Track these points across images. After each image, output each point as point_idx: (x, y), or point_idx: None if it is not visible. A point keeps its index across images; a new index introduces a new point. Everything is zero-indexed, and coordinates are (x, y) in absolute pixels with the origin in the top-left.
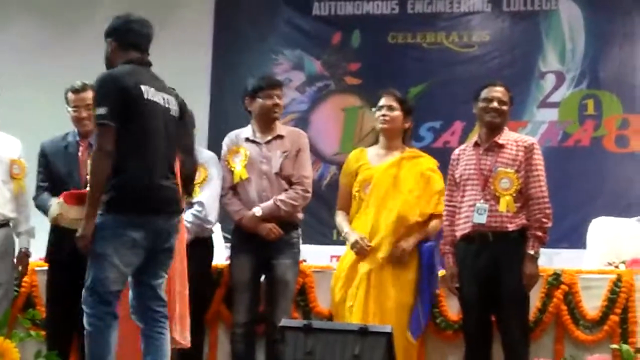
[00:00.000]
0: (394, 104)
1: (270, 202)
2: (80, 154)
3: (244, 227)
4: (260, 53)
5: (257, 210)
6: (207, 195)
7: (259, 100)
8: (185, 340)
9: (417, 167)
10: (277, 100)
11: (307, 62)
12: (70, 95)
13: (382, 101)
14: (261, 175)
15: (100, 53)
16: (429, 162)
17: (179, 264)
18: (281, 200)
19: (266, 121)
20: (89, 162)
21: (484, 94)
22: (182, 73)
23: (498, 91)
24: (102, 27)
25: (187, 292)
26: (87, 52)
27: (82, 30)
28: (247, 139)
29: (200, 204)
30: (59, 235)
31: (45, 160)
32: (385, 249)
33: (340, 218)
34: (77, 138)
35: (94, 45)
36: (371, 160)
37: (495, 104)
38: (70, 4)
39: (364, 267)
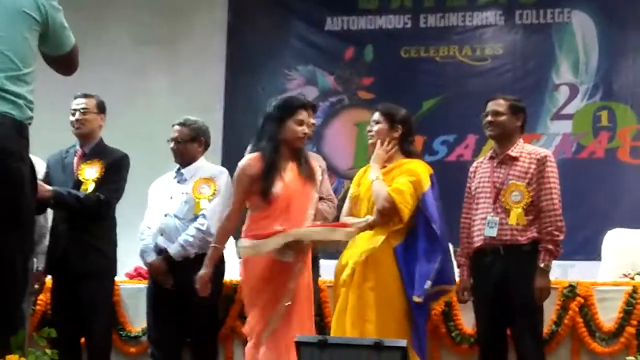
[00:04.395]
0: (378, 118)
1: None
2: (75, 162)
3: None
4: (274, 69)
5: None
6: (211, 209)
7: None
8: None
9: (390, 179)
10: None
11: (320, 77)
12: (73, 102)
13: (373, 116)
14: None
15: (110, 74)
16: (405, 168)
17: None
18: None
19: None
20: (78, 170)
21: (486, 109)
22: (195, 90)
23: (493, 104)
24: (112, 48)
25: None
26: (97, 71)
27: (93, 49)
28: None
29: (204, 216)
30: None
31: (47, 173)
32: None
33: (347, 219)
34: (76, 148)
35: (107, 63)
36: (369, 175)
37: (489, 118)
38: (80, 24)
39: (342, 276)
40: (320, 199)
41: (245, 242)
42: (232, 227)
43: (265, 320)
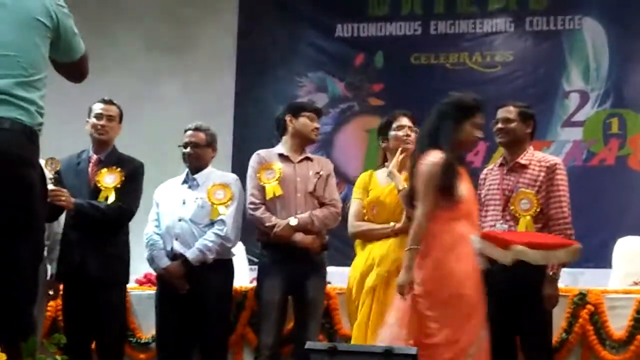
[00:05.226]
0: (412, 126)
1: (305, 215)
2: (90, 169)
3: (277, 236)
4: (284, 75)
5: (292, 220)
6: (229, 215)
7: (303, 120)
8: None
9: None
10: (318, 125)
11: (330, 84)
12: (97, 105)
13: (404, 121)
14: (295, 192)
15: (120, 80)
16: None
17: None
18: (316, 216)
19: (304, 141)
20: (97, 177)
21: (496, 116)
22: (206, 96)
23: (503, 111)
24: (122, 54)
25: None
26: (108, 77)
27: (103, 55)
28: (281, 156)
29: (223, 222)
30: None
31: (59, 177)
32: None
33: (365, 224)
34: (90, 154)
35: (117, 69)
36: (380, 182)
37: (499, 125)
38: (91, 31)
39: (367, 282)
40: (322, 204)
41: (528, 250)
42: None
43: (475, 335)
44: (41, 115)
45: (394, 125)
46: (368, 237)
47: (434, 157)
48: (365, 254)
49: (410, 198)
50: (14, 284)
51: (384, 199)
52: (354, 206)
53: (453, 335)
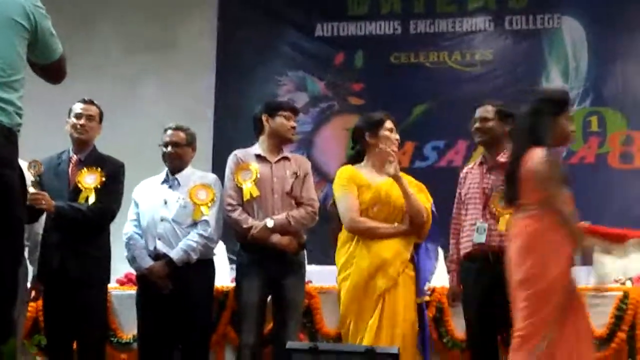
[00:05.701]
0: (491, 114)
1: (282, 216)
2: (70, 169)
3: (255, 238)
4: (264, 74)
5: (269, 222)
6: (212, 216)
7: (280, 120)
8: None
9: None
10: (295, 124)
11: (310, 83)
12: (77, 105)
13: (391, 124)
14: (272, 193)
15: (100, 81)
16: (414, 183)
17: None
18: (293, 217)
19: (280, 141)
20: (77, 178)
21: (474, 115)
22: (186, 96)
23: (481, 110)
24: (102, 55)
25: None
26: (87, 78)
27: (83, 56)
28: (258, 157)
29: (206, 222)
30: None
31: (40, 180)
32: (399, 266)
33: (369, 221)
34: (70, 154)
35: (97, 69)
36: (368, 179)
37: (477, 124)
38: (70, 32)
39: (380, 285)
40: (299, 204)
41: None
42: None
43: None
44: (19, 115)
45: (387, 126)
46: (371, 235)
47: (541, 155)
48: (372, 254)
49: (510, 197)
50: None
51: (386, 198)
52: (347, 200)
53: (534, 329)
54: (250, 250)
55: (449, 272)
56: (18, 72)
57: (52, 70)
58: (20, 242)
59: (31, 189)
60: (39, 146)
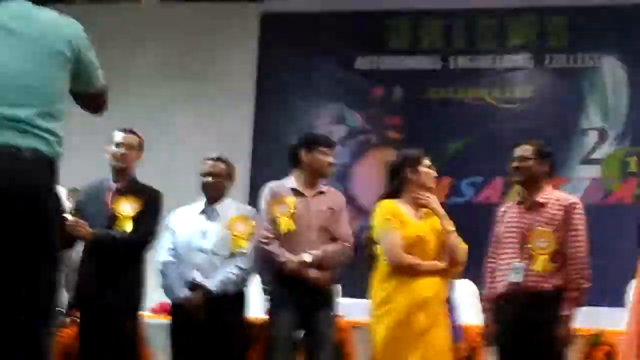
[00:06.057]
0: (530, 154)
1: (319, 252)
2: (108, 197)
3: (291, 272)
4: (302, 105)
5: (307, 257)
6: (250, 248)
7: (318, 155)
8: None
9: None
10: (333, 160)
11: (348, 116)
12: (118, 134)
13: (428, 161)
14: (308, 227)
15: (145, 103)
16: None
17: None
18: (329, 252)
19: (317, 176)
20: (114, 206)
21: (513, 154)
22: (223, 125)
23: (520, 150)
24: (142, 78)
25: None
26: (128, 104)
27: (121, 83)
28: (294, 190)
29: (244, 254)
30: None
31: (79, 203)
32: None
33: (412, 258)
34: (109, 182)
35: (134, 96)
36: (409, 215)
37: (515, 163)
38: (109, 59)
39: (420, 323)
40: (334, 239)
41: None
42: None
43: None
44: (60, 145)
45: (426, 163)
46: (412, 273)
47: None
48: (412, 292)
49: None
50: (33, 313)
51: (427, 237)
52: (392, 235)
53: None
54: (283, 284)
55: (483, 311)
56: (60, 102)
57: (92, 101)
58: (58, 271)
59: (69, 217)
60: (79, 173)
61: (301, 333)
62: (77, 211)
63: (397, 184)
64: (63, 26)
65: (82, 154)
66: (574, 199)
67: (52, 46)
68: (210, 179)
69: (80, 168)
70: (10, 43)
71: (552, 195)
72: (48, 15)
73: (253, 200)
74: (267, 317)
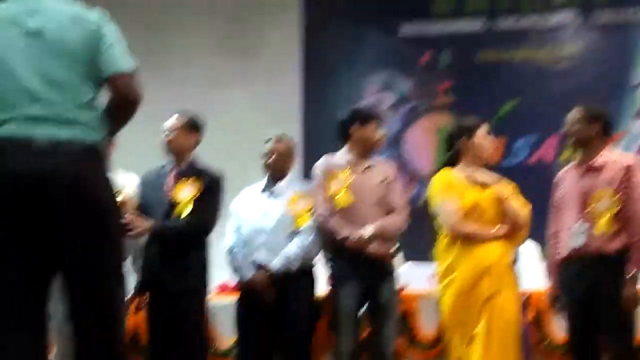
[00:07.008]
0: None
1: (376, 224)
2: (168, 182)
3: (351, 247)
4: (350, 76)
5: (366, 231)
6: (312, 225)
7: (369, 129)
8: None
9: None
10: (383, 132)
11: (397, 83)
12: (168, 121)
13: (485, 129)
14: (363, 201)
15: (185, 83)
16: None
17: None
18: (387, 224)
19: (368, 150)
20: (173, 191)
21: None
22: (272, 100)
23: (570, 115)
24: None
25: None
26: (175, 83)
27: (167, 61)
28: (347, 165)
29: (306, 231)
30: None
31: (139, 190)
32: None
33: (472, 225)
34: (169, 166)
35: (182, 75)
36: (466, 184)
37: (566, 128)
38: (154, 38)
39: (484, 290)
40: (390, 211)
41: None
42: None
43: None
44: (101, 131)
45: (482, 131)
46: (473, 240)
47: None
48: (475, 259)
49: None
50: (102, 307)
51: (484, 204)
52: (449, 205)
53: None
54: (343, 259)
55: (548, 276)
56: (91, 92)
57: (120, 87)
58: (122, 256)
59: (127, 215)
60: (134, 159)
61: (364, 307)
62: (137, 206)
63: (452, 154)
64: (82, 18)
65: (138, 141)
66: (633, 159)
67: (75, 39)
68: (272, 158)
69: (134, 154)
70: (32, 43)
71: (610, 157)
72: (67, 8)
73: (306, 173)
74: (330, 292)
